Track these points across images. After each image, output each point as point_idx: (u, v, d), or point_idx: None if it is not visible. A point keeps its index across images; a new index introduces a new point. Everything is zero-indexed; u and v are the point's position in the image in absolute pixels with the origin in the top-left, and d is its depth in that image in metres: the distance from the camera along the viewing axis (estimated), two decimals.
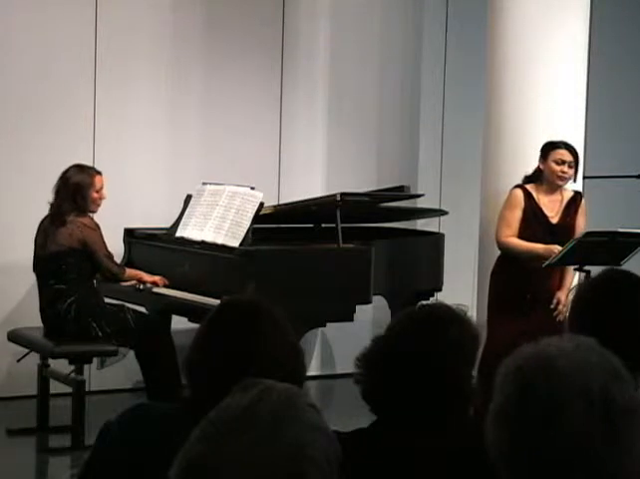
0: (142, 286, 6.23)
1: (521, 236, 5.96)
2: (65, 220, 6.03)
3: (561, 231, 5.94)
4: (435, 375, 2.27)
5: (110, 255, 6.15)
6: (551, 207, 6.03)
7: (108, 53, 7.06)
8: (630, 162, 8.12)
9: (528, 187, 6.02)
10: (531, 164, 6.16)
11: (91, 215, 6.13)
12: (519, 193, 6.00)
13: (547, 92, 6.38)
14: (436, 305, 2.48)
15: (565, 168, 5.94)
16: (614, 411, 1.51)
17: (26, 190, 6.85)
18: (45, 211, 6.29)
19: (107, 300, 6.22)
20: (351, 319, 6.06)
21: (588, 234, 5.73)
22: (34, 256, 6.20)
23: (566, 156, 5.94)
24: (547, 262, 5.79)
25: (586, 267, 5.79)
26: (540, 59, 6.36)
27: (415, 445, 2.24)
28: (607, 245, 5.71)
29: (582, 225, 6.05)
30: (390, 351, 2.32)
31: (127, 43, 7.14)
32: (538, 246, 5.87)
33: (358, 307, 6.07)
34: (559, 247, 5.78)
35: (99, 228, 6.08)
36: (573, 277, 6.00)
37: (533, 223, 5.97)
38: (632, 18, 8.96)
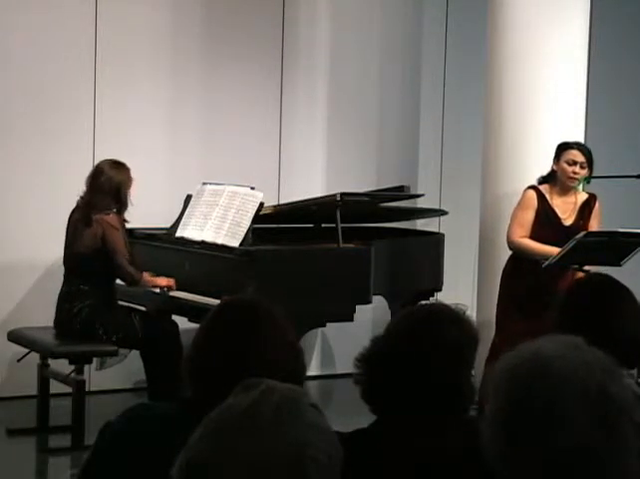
0: (159, 291, 6.22)
1: (534, 236, 5.95)
2: (91, 219, 6.02)
3: (574, 233, 5.89)
4: (434, 375, 2.27)
5: (129, 258, 6.12)
6: (564, 208, 6.01)
7: (108, 53, 7.06)
8: (630, 162, 8.12)
9: (542, 187, 6.01)
10: (531, 164, 6.15)
11: (121, 212, 6.11)
12: (532, 193, 5.99)
13: (547, 92, 6.38)
14: (435, 305, 2.48)
15: (577, 168, 5.93)
16: (613, 410, 1.51)
17: (26, 190, 6.85)
18: (45, 211, 6.30)
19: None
20: (351, 319, 6.06)
21: (588, 234, 5.73)
22: (64, 251, 6.19)
23: (578, 156, 5.93)
24: (547, 262, 5.79)
25: (586, 267, 5.79)
26: (540, 59, 6.36)
27: (415, 445, 2.24)
28: (607, 246, 5.71)
29: (595, 227, 6.02)
30: (389, 351, 2.32)
31: (127, 43, 7.14)
32: (554, 249, 5.83)
33: (358, 307, 6.07)
34: None
35: (123, 227, 6.07)
36: None
37: (546, 224, 5.96)
38: (632, 18, 8.96)
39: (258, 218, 6.14)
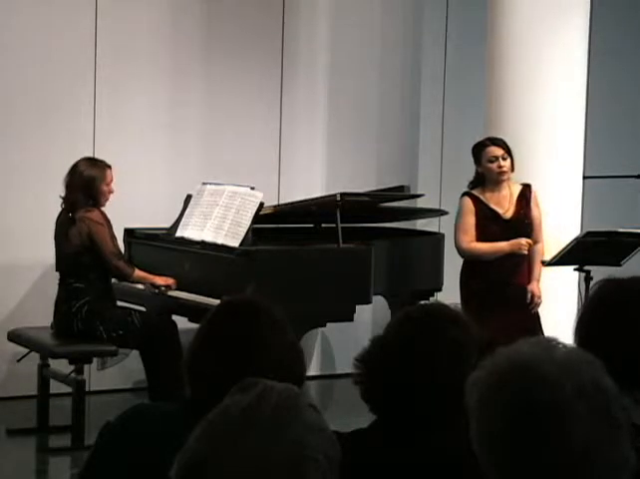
0: (157, 290, 6.21)
1: (480, 238, 5.97)
2: (75, 218, 6.02)
3: (516, 224, 5.95)
4: (434, 375, 2.27)
5: (117, 253, 6.11)
6: (502, 204, 6.02)
7: (108, 53, 7.06)
8: (630, 162, 8.12)
9: (475, 192, 6.05)
10: (531, 164, 6.15)
11: (102, 209, 6.10)
12: (467, 199, 6.04)
13: (547, 92, 6.38)
14: (434, 305, 2.48)
15: (501, 162, 5.94)
16: (609, 400, 1.52)
17: (27, 190, 6.86)
18: (45, 211, 6.30)
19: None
20: (351, 319, 6.06)
21: (588, 233, 5.73)
22: (55, 255, 6.19)
23: (496, 151, 5.95)
24: (547, 263, 5.80)
25: (586, 267, 5.79)
26: (540, 59, 6.36)
27: (415, 445, 2.24)
28: (607, 245, 5.72)
29: (538, 215, 6.04)
30: (389, 351, 2.31)
31: (127, 43, 7.14)
32: (503, 245, 5.88)
33: (358, 307, 6.07)
34: (526, 239, 5.82)
35: (108, 222, 6.04)
36: (541, 268, 5.98)
37: (488, 223, 5.98)
38: (632, 19, 8.96)
39: (258, 217, 6.14)
